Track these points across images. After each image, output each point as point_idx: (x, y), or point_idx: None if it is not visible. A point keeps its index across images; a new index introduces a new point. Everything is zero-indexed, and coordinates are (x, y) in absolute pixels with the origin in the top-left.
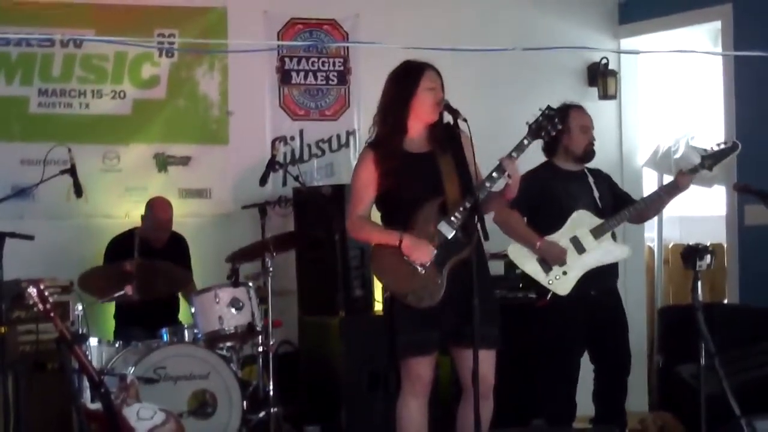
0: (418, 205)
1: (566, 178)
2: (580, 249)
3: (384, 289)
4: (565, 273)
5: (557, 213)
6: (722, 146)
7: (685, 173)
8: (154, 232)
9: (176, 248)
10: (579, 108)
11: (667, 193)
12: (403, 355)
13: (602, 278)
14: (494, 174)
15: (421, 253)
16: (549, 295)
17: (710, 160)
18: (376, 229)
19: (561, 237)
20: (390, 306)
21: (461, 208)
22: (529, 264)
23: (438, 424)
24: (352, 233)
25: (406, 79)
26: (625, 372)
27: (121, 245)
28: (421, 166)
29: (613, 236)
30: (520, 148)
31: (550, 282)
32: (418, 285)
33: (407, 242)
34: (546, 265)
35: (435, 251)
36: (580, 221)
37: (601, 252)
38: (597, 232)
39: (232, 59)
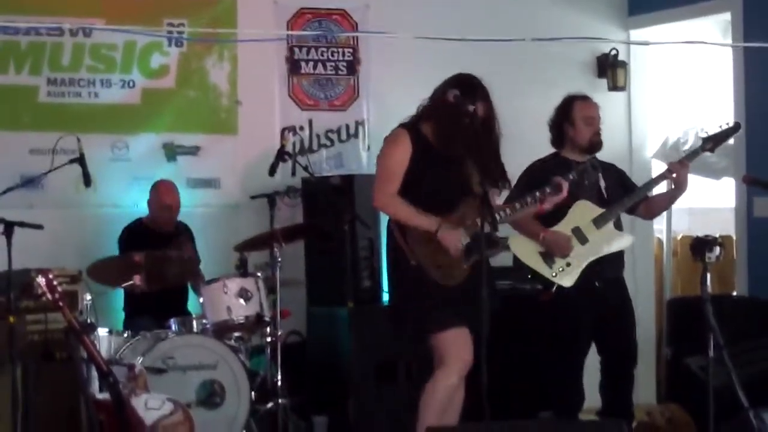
0: (446, 197)
1: (572, 169)
2: (582, 239)
3: (411, 257)
4: (568, 264)
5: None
6: (722, 127)
7: (679, 161)
8: (160, 214)
9: (178, 238)
10: (583, 99)
11: (661, 179)
12: (445, 327)
13: (607, 269)
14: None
15: (455, 241)
16: (554, 288)
17: (711, 142)
18: (413, 211)
19: (563, 228)
20: (421, 281)
21: (502, 211)
22: (531, 257)
23: None
24: (384, 208)
25: (469, 95)
26: (631, 363)
27: (134, 234)
28: (451, 167)
29: (619, 226)
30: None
31: (554, 275)
32: (447, 263)
33: (444, 233)
34: (549, 258)
35: (466, 239)
36: (582, 211)
37: (604, 242)
38: (599, 222)
39: (242, 49)
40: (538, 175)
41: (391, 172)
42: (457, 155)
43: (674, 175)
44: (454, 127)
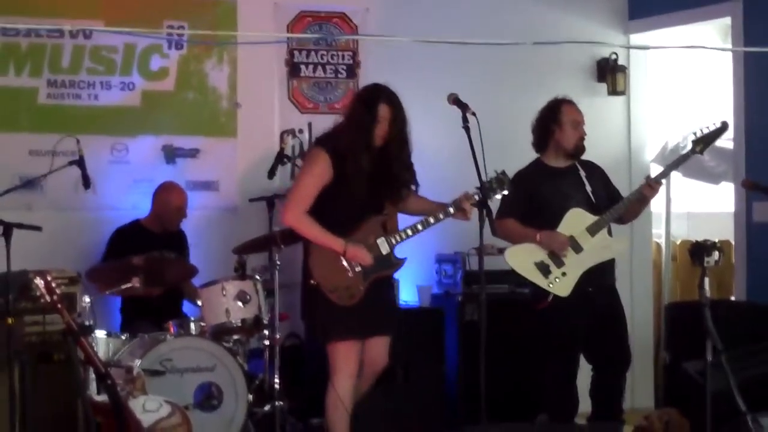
0: (354, 215)
1: (556, 176)
2: (577, 248)
3: (312, 278)
4: (564, 274)
5: (551, 214)
6: (710, 128)
7: (653, 180)
8: (172, 215)
9: (177, 242)
10: (570, 103)
11: (637, 200)
12: (341, 338)
13: (599, 275)
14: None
15: (363, 259)
16: (550, 297)
17: (701, 143)
18: (322, 231)
19: None
20: (319, 296)
21: (403, 233)
22: (527, 268)
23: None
24: (295, 225)
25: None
26: (623, 369)
27: (127, 237)
28: (370, 182)
29: (609, 232)
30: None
31: (551, 285)
32: (344, 285)
33: (351, 250)
34: (544, 268)
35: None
36: (575, 220)
37: (599, 249)
38: (593, 229)
39: (242, 52)
40: (525, 185)
41: (306, 193)
42: (367, 170)
43: (648, 197)
44: (362, 142)
